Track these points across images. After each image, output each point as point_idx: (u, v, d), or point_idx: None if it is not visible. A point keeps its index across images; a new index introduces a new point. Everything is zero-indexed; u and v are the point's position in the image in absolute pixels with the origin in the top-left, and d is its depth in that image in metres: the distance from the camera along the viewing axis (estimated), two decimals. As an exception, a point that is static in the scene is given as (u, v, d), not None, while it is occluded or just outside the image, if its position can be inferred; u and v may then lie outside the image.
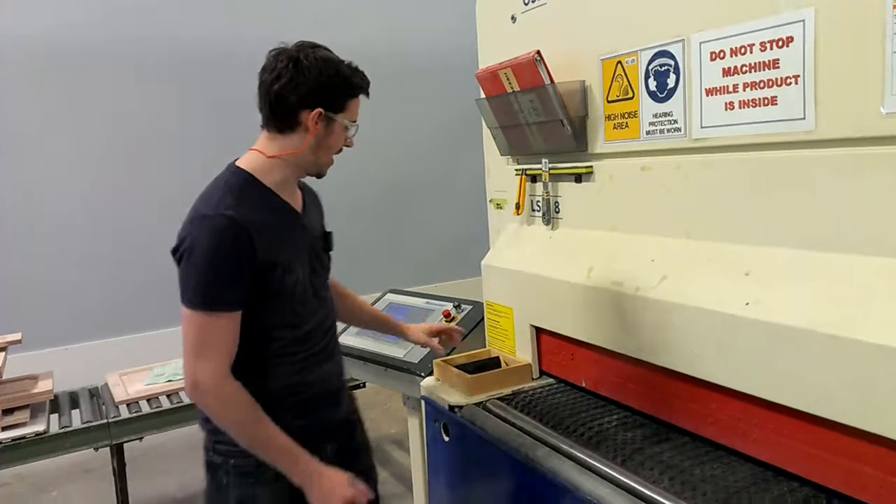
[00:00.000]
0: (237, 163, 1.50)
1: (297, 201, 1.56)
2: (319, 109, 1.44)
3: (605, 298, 1.65)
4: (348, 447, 1.64)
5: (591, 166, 1.81)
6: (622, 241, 1.71)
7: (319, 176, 1.56)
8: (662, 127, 1.58)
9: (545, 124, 1.87)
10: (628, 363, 1.63)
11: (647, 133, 1.63)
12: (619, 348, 1.63)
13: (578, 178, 1.86)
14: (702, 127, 1.48)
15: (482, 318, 2.26)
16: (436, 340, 1.93)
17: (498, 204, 2.27)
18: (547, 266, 1.90)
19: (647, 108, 1.61)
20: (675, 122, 1.55)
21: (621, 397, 1.71)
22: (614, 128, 1.72)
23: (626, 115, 1.68)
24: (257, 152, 1.49)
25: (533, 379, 2.00)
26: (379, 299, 2.64)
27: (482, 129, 2.26)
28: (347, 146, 1.56)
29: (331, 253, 1.65)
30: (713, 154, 1.47)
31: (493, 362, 2.08)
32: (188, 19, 4.47)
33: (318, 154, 1.50)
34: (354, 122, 1.53)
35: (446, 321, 2.34)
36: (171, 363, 3.36)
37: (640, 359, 1.57)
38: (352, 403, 1.72)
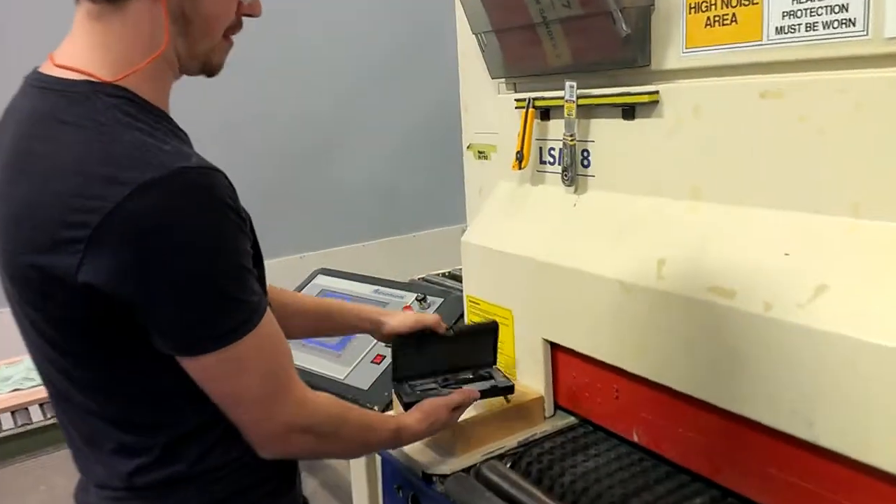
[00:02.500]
0: (107, 79, 0.79)
1: None
2: None
3: (697, 315, 0.99)
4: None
5: (657, 91, 1.11)
6: (719, 218, 1.04)
7: (211, 73, 0.90)
8: (813, 20, 0.90)
9: (579, 22, 1.15)
10: (731, 422, 0.98)
11: (779, 32, 0.94)
12: (720, 401, 0.98)
13: (630, 112, 1.16)
14: (911, 15, 0.81)
15: (461, 315, 1.56)
16: None
17: (480, 152, 1.54)
18: (575, 252, 1.21)
19: (784, -15, 0.92)
20: (843, 8, 0.86)
21: (710, 471, 1.06)
22: (707, 25, 1.02)
23: (734, 3, 0.98)
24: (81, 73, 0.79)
25: (546, 418, 1.33)
26: (304, 285, 1.90)
27: (454, 35, 1.52)
28: (251, 15, 0.89)
29: None
30: (932, 66, 0.80)
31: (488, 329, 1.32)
32: None
33: (189, 38, 0.84)
34: None
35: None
36: (23, 360, 2.52)
37: (767, 425, 0.92)
38: None
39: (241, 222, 0.80)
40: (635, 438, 1.18)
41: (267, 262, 0.94)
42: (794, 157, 0.94)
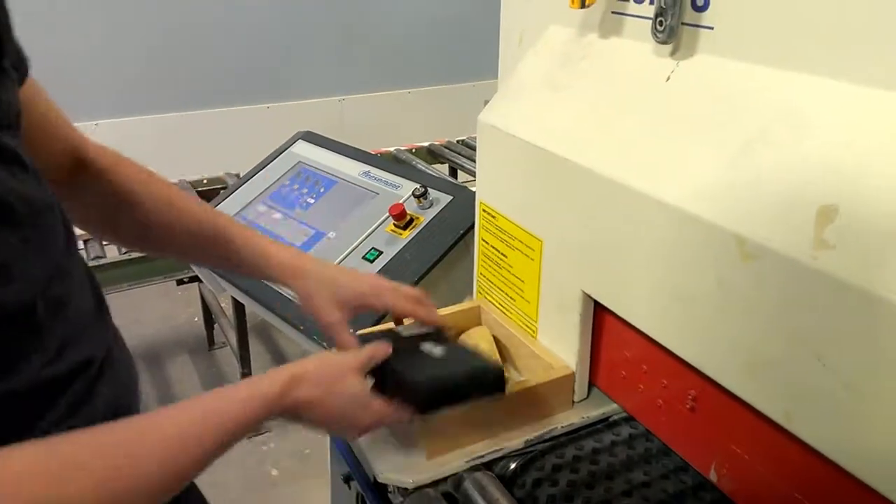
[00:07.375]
0: None
1: None
2: None
3: (887, 330, 0.50)
4: None
5: None
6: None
7: None
8: None
9: None
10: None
11: None
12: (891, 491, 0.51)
13: None
14: None
15: (467, 230, 1.09)
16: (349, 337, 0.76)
17: (527, -24, 0.98)
18: (658, 164, 0.70)
19: None
20: None
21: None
22: None
23: None
24: None
25: (575, 403, 0.89)
26: (281, 152, 1.42)
27: None
28: None
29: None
30: None
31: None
32: None
33: None
34: None
35: (395, 223, 1.15)
36: None
37: None
38: None
39: None
40: (712, 477, 0.73)
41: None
42: None
